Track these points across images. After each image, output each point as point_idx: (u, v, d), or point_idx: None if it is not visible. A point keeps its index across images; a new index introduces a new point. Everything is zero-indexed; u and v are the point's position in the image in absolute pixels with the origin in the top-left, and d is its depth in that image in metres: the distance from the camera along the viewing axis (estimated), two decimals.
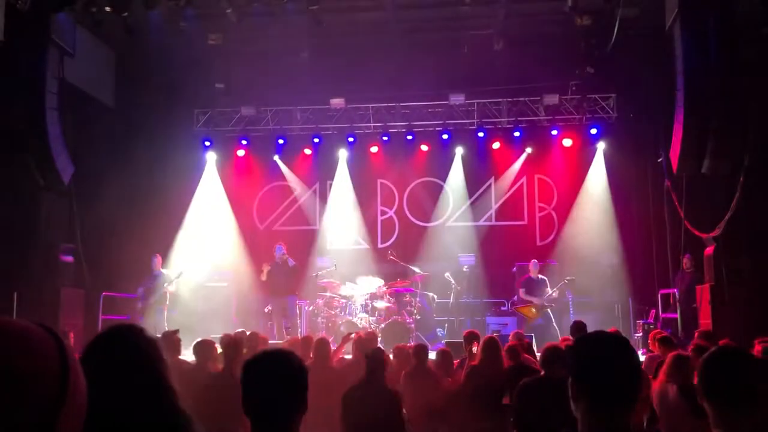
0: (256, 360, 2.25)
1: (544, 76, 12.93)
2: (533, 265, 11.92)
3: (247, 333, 7.58)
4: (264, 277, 11.68)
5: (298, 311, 12.02)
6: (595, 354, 1.86)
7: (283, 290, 11.63)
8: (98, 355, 1.74)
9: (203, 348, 6.15)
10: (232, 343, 6.04)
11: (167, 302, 11.27)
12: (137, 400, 1.69)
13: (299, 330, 11.56)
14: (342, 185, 14.53)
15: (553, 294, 11.56)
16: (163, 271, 11.55)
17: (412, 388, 6.06)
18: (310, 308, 12.06)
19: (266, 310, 11.98)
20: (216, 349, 6.24)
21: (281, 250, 11.81)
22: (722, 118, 9.13)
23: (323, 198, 14.69)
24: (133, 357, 1.75)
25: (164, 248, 12.54)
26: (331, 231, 14.39)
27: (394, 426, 5.18)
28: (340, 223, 14.41)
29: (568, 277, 11.71)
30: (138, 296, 11.20)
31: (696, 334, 7.66)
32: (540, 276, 11.87)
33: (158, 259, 11.60)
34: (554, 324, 11.18)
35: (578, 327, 8.10)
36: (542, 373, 5.20)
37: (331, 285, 12.06)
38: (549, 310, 11.46)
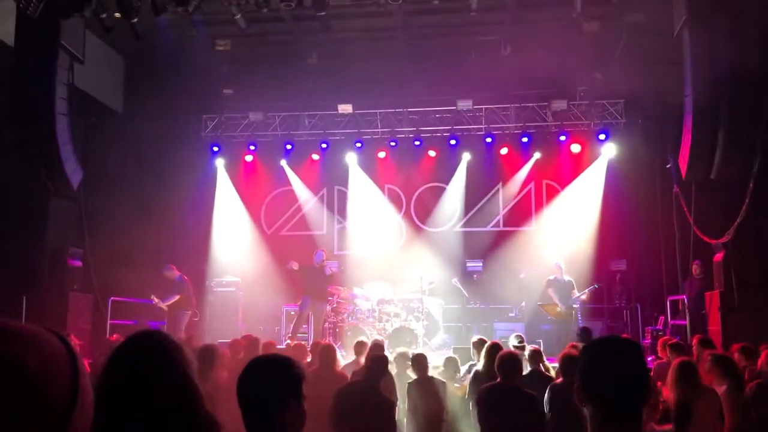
0: (248, 366, 2.24)
1: (552, 82, 12.90)
2: (557, 267, 11.70)
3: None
4: (295, 266, 11.72)
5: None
6: (603, 358, 1.80)
7: (322, 295, 11.70)
8: (127, 360, 1.76)
9: (207, 353, 6.14)
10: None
11: (182, 308, 11.29)
12: (167, 405, 1.69)
13: (320, 335, 11.48)
14: (349, 190, 14.55)
15: (580, 297, 11.40)
16: (177, 278, 11.49)
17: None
18: None
19: (299, 303, 11.96)
20: (219, 355, 6.22)
21: (321, 256, 11.94)
22: (731, 123, 9.08)
23: (330, 203, 14.70)
24: (162, 361, 1.76)
25: (171, 253, 12.55)
26: (338, 236, 14.39)
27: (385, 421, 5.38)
28: (348, 228, 14.42)
29: (595, 284, 11.63)
30: (154, 303, 11.13)
31: (695, 341, 7.50)
32: (567, 278, 11.64)
33: (172, 268, 11.55)
34: (575, 328, 10.64)
35: (585, 333, 8.08)
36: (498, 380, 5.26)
37: (338, 290, 12.04)
38: (574, 312, 11.29)
